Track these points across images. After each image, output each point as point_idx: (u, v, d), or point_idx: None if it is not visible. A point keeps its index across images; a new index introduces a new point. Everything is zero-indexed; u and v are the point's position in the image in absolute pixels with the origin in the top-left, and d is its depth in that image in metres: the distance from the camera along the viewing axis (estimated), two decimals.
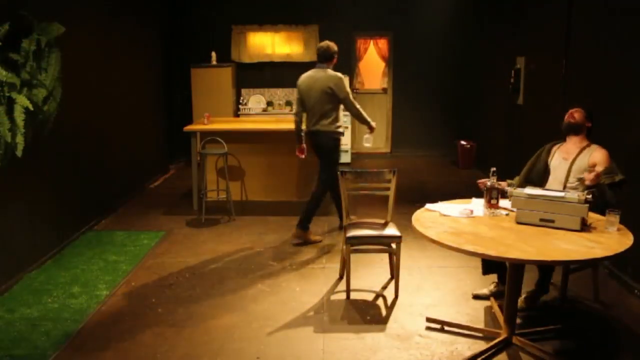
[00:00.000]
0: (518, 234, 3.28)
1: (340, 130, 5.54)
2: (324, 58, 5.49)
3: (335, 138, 5.51)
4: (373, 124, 5.68)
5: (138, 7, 7.58)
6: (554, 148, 4.21)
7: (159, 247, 5.38)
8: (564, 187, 3.95)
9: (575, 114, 4.06)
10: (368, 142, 5.64)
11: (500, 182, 4.07)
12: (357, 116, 5.54)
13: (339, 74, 5.45)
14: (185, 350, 3.55)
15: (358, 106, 5.53)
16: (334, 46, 5.54)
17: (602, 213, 3.52)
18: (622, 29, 4.58)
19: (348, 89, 5.47)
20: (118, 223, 6.13)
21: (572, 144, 4.08)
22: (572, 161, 4.00)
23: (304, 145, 5.80)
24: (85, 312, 4.04)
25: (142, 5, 7.73)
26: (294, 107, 5.74)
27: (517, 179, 4.29)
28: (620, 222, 3.37)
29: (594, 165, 3.87)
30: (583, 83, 5.28)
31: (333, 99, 5.39)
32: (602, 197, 3.67)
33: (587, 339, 3.72)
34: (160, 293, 4.38)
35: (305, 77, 5.59)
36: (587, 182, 3.72)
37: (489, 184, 3.63)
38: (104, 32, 6.32)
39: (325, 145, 5.50)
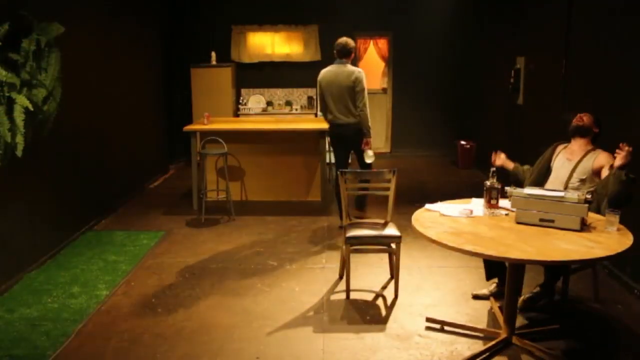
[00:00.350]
0: (518, 234, 3.28)
1: None
2: (343, 54, 5.71)
3: (360, 129, 5.65)
4: (370, 137, 5.68)
5: (138, 7, 7.58)
6: (559, 148, 4.22)
7: (159, 247, 5.38)
8: (566, 187, 3.95)
9: (584, 117, 4.08)
10: (369, 158, 5.65)
11: (508, 162, 4.33)
12: (363, 112, 5.60)
13: (359, 69, 5.68)
14: (185, 350, 3.54)
15: (367, 107, 5.64)
16: (351, 42, 5.76)
17: (622, 205, 3.54)
18: (622, 29, 4.58)
19: (365, 85, 5.64)
20: (118, 223, 6.13)
21: (577, 146, 4.08)
22: (577, 163, 4.00)
23: None
24: (85, 312, 4.04)
25: (142, 5, 7.74)
26: (318, 104, 5.99)
27: (527, 167, 4.37)
28: (620, 222, 3.37)
29: (601, 168, 3.88)
30: (583, 83, 5.28)
31: (353, 91, 5.60)
32: (627, 189, 3.63)
33: (587, 338, 3.72)
34: (160, 293, 4.38)
35: (325, 72, 5.78)
36: (617, 163, 3.66)
37: (488, 184, 3.63)
38: (104, 32, 6.32)
39: (352, 137, 5.66)
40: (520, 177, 4.39)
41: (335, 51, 5.74)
